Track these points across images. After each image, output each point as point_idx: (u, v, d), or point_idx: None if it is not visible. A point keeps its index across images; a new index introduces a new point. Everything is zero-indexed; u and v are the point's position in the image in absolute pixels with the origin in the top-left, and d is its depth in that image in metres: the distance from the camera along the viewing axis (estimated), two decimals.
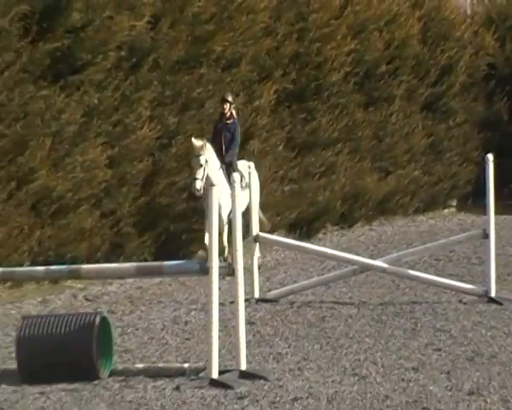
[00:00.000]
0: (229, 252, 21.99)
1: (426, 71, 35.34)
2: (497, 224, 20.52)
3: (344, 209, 31.63)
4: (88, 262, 20.87)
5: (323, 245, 24.12)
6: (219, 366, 14.46)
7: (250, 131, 27.81)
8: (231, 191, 16.18)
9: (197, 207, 25.02)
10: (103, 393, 14.21)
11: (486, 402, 12.96)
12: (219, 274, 14.79)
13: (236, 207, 15.42)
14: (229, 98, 23.75)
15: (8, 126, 21.63)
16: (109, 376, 14.83)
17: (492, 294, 19.80)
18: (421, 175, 35.22)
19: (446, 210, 36.19)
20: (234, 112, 23.98)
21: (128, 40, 24.98)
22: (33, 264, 20.14)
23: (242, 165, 22.87)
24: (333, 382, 14.59)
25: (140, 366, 15.69)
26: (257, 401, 13.35)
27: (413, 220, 34.13)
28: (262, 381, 14.49)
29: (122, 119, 25.59)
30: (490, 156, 21.07)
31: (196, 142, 22.18)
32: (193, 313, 18.82)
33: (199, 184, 21.87)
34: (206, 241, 19.17)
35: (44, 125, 22.04)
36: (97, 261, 22.48)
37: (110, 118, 25.57)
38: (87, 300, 21.20)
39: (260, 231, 21.86)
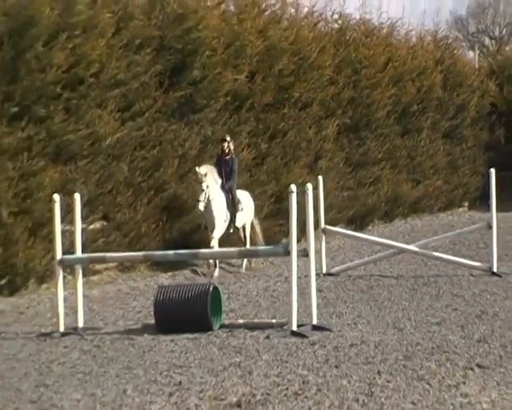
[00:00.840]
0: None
1: (445, 109, 35.66)
2: (497, 218, 21.23)
3: (386, 208, 31.60)
4: (203, 247, 20.28)
5: (372, 234, 23.85)
6: (297, 322, 14.52)
7: (319, 153, 27.84)
8: (232, 209, 21.43)
9: (281, 208, 23.77)
10: (215, 340, 14.52)
11: (490, 347, 13.12)
12: (297, 256, 14.53)
13: (309, 212, 14.85)
14: (227, 138, 21.75)
15: (148, 151, 21.41)
16: (219, 328, 14.96)
17: (494, 269, 20.21)
18: (442, 184, 35.62)
19: (460, 209, 36.27)
20: (232, 148, 22.03)
21: (232, 89, 24.02)
22: (166, 249, 20.01)
23: (240, 193, 21.81)
24: (379, 333, 14.65)
25: (241, 321, 15.91)
26: (324, 346, 13.52)
27: (436, 216, 33.98)
28: (328, 332, 14.62)
29: None
30: (492, 170, 21.43)
31: (200, 171, 20.61)
32: (278, 283, 18.80)
33: (201, 206, 20.52)
34: (213, 241, 21.25)
35: (173, 150, 22.01)
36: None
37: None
38: (203, 275, 21.04)
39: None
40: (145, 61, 21.91)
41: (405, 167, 32.98)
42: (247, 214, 21.90)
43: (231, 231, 22.04)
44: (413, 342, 13.56)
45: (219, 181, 20.89)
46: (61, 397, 11.15)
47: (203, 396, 11.01)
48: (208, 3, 24.52)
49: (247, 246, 21.69)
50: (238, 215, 21.63)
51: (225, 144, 21.43)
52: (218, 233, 21.09)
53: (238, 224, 21.86)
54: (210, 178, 20.53)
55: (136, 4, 22.50)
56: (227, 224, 21.39)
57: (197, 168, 20.72)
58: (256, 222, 22.78)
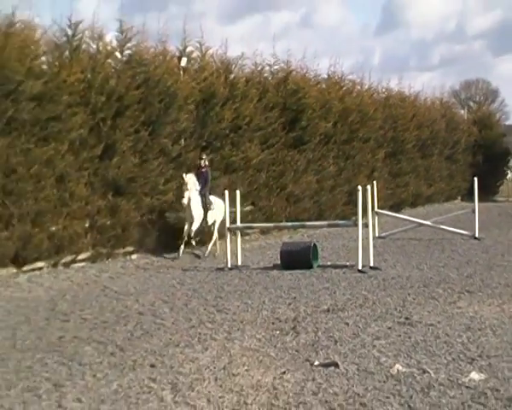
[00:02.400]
0: (213, 244, 18.21)
1: (447, 143, 34.33)
2: (478, 206, 19.86)
3: (412, 200, 30.73)
4: (307, 221, 20.01)
5: (404, 215, 23.40)
6: (361, 264, 14.57)
7: (373, 168, 27.81)
8: (205, 209, 17.82)
9: (351, 199, 21.52)
10: (314, 274, 14.71)
11: (474, 281, 13.27)
12: (361, 226, 14.66)
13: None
14: (203, 157, 17.92)
15: (277, 167, 22.44)
16: (317, 267, 15.07)
17: (476, 235, 19.28)
18: (445, 186, 34.25)
19: (456, 200, 34.87)
20: (206, 164, 17.95)
21: (324, 132, 24.88)
22: (286, 222, 19.99)
23: (214, 199, 17.91)
24: (408, 271, 14.94)
25: (329, 263, 15.95)
26: (376, 278, 13.93)
27: (441, 205, 32.85)
28: (379, 270, 14.67)
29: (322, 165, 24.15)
30: (475, 178, 20.88)
31: (185, 178, 17.08)
32: (350, 243, 17.77)
33: (185, 200, 16.78)
34: (185, 233, 17.30)
35: (290, 167, 22.70)
36: (309, 220, 21.22)
37: (317, 163, 24.32)
38: (308, 236, 20.43)
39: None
40: (275, 116, 21.91)
41: (423, 177, 32.33)
42: (216, 214, 17.89)
43: (203, 225, 18.10)
44: (428, 277, 13.81)
45: (198, 187, 17.44)
46: (228, 304, 11.57)
47: (307, 305, 11.28)
48: (310, 83, 24.37)
49: (214, 238, 18.31)
50: (209, 214, 17.83)
51: (201, 161, 17.79)
52: (195, 226, 17.46)
53: (209, 221, 17.98)
54: (191, 184, 17.19)
55: (269, 83, 22.48)
56: (201, 220, 17.72)
57: (184, 175, 17.33)
58: (216, 234, 18.33)
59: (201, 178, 17.58)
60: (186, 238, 17.44)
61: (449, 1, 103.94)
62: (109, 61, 17.10)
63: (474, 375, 7.30)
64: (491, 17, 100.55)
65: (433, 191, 33.18)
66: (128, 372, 7.67)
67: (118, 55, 17.40)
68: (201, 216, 17.73)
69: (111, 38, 17.24)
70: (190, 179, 17.31)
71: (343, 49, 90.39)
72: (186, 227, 17.45)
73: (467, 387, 6.91)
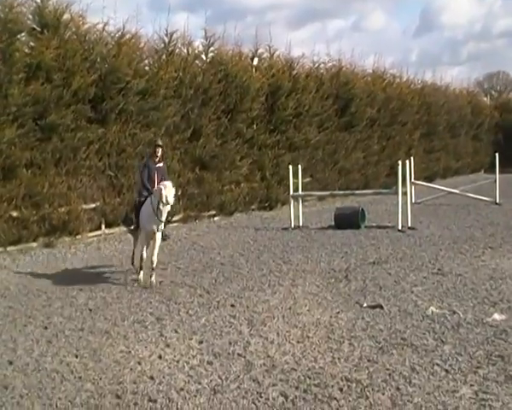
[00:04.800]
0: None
1: (472, 125, 33.14)
2: (499, 177, 19.39)
3: (443, 172, 30.02)
4: (356, 190, 19.72)
5: (437, 184, 22.86)
6: (401, 224, 14.29)
7: (411, 146, 26.93)
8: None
9: (392, 172, 21.00)
10: (362, 233, 14.65)
11: (495, 238, 12.81)
12: (401, 194, 14.48)
13: None
14: (161, 143, 10.60)
15: (331, 145, 21.95)
16: (364, 228, 14.62)
17: (497, 201, 18.55)
18: (470, 160, 33.30)
19: (480, 172, 33.75)
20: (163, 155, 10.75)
21: (370, 116, 24.14)
22: (339, 190, 19.77)
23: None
24: (440, 230, 14.60)
25: (374, 224, 15.35)
26: (413, 236, 13.78)
27: (467, 176, 31.77)
28: (416, 230, 14.42)
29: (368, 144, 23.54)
30: (496, 154, 20.30)
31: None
32: (391, 208, 16.82)
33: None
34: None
35: (342, 145, 22.44)
36: (358, 189, 20.84)
37: (364, 142, 23.66)
38: (357, 202, 19.62)
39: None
40: (329, 104, 21.72)
41: (452, 153, 31.57)
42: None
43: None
44: (456, 236, 13.47)
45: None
46: (292, 256, 11.54)
47: (357, 258, 11.16)
48: (358, 77, 23.97)
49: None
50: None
51: (159, 150, 10.04)
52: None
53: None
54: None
55: (325, 77, 22.20)
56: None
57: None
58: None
59: (158, 175, 9.83)
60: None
61: (476, 5, 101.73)
62: (196, 61, 17.38)
63: (496, 316, 7.20)
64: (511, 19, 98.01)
65: (460, 165, 32.30)
66: (213, 310, 7.81)
67: (203, 57, 17.76)
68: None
69: (198, 43, 17.73)
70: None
71: (386, 49, 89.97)
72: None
73: (490, 326, 6.84)
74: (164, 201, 9.16)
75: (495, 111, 37.12)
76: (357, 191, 19.33)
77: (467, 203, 18.78)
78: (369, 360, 5.89)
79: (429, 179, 25.61)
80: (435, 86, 30.83)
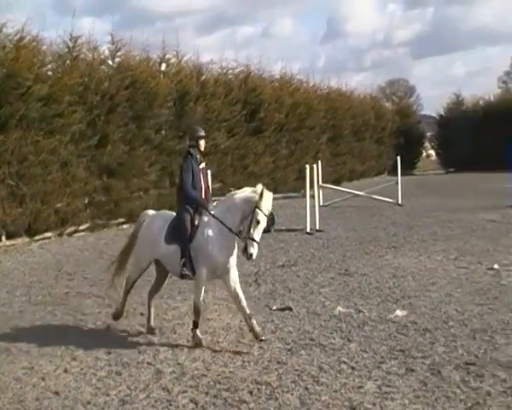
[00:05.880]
0: None
1: (375, 129, 34.09)
2: (401, 179, 20.16)
3: (348, 175, 30.65)
4: None
5: (342, 187, 22.91)
6: (309, 228, 14.40)
7: (318, 150, 27.42)
8: None
9: (300, 176, 21.03)
10: (270, 236, 14.27)
11: (398, 238, 13.12)
12: (309, 197, 14.62)
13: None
14: (204, 133, 7.05)
15: (240, 151, 21.59)
16: (274, 231, 14.06)
17: (400, 202, 19.25)
18: (374, 163, 34.04)
19: (383, 175, 34.57)
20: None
21: (278, 121, 24.23)
22: None
23: None
24: (346, 232, 14.97)
25: (283, 227, 15.59)
26: (321, 238, 14.12)
27: (372, 179, 32.56)
28: (322, 232, 14.53)
29: (277, 148, 23.47)
30: (398, 157, 21.24)
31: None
32: (300, 211, 16.73)
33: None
34: None
35: (251, 150, 22.09)
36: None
37: (273, 147, 23.68)
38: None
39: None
40: (238, 109, 21.71)
41: (357, 156, 32.16)
42: None
43: None
44: (362, 236, 13.83)
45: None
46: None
47: (266, 262, 11.26)
48: (266, 82, 24.24)
49: None
50: None
51: (202, 142, 6.99)
52: None
53: None
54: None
55: (233, 83, 22.22)
56: None
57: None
58: None
59: (205, 179, 7.22)
60: None
61: (379, 16, 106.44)
62: (102, 67, 17.04)
63: (398, 312, 7.53)
64: (411, 29, 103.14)
65: (365, 168, 32.85)
66: (122, 320, 7.62)
67: (109, 62, 17.44)
68: None
69: (104, 48, 17.33)
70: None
71: (294, 55, 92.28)
72: None
73: (393, 322, 7.15)
74: (265, 213, 6.47)
75: (396, 116, 38.67)
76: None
77: (372, 205, 19.24)
78: (278, 362, 5.99)
79: (336, 182, 26.17)
80: (340, 92, 31.69)
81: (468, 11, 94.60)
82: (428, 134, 43.64)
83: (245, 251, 6.45)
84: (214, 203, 7.02)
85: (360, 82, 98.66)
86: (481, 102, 38.37)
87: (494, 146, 30.52)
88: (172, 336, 6.94)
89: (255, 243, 6.44)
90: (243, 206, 6.53)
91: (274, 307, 7.97)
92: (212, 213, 6.70)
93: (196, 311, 6.70)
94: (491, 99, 38.54)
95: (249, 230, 6.42)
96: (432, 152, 47.25)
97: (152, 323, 7.24)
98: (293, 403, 5.05)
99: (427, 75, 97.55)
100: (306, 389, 5.32)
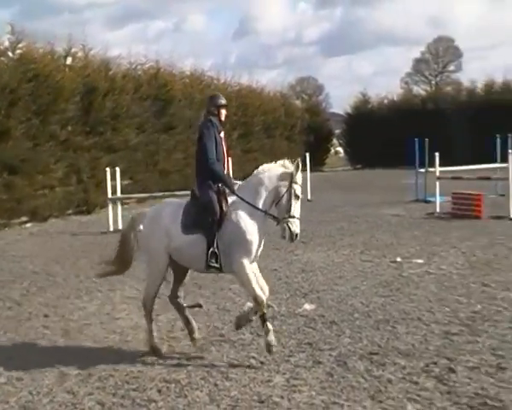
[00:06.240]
0: None
1: (286, 126, 35.05)
2: (310, 175, 20.29)
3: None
4: (176, 191, 19.77)
5: None
6: None
7: (229, 147, 26.77)
8: None
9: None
10: None
11: (307, 233, 12.57)
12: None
13: None
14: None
15: (149, 146, 21.23)
16: None
17: (309, 198, 18.65)
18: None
19: None
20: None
21: (190, 118, 23.32)
22: (159, 192, 19.54)
23: None
24: None
25: None
26: None
27: None
28: None
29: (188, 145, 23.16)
30: (307, 153, 21.91)
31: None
32: None
33: None
34: None
35: (161, 146, 22.22)
36: (178, 190, 20.90)
37: (183, 143, 23.21)
38: None
39: None
40: (148, 105, 21.64)
41: (268, 153, 31.64)
42: None
43: None
44: (271, 233, 13.75)
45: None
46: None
47: None
48: (176, 78, 24.15)
49: None
50: None
51: (224, 112, 6.07)
52: None
53: None
54: None
55: (143, 78, 22.03)
56: None
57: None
58: None
59: (226, 150, 6.30)
60: None
61: (289, 14, 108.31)
62: (2, 58, 16.43)
63: (307, 306, 7.70)
64: (320, 28, 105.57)
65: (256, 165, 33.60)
66: (24, 322, 7.37)
67: (10, 54, 16.79)
68: None
69: (3, 39, 16.68)
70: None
71: (206, 51, 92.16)
72: None
73: (301, 316, 7.30)
74: (298, 190, 5.88)
75: (306, 113, 39.55)
76: (178, 192, 19.21)
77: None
78: (187, 360, 5.98)
79: (242, 179, 26.41)
80: (251, 88, 32.11)
81: (373, 13, 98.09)
82: (337, 131, 44.96)
83: (289, 232, 5.78)
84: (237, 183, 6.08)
85: (271, 79, 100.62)
86: (386, 101, 39.97)
87: (397, 143, 31.93)
88: (79, 337, 6.75)
89: (297, 221, 5.82)
90: (277, 183, 5.85)
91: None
92: (240, 195, 5.87)
93: (260, 302, 5.74)
94: (395, 98, 40.23)
95: (289, 208, 5.79)
96: (340, 149, 48.73)
97: (196, 333, 6.25)
98: (202, 400, 5.05)
99: (336, 74, 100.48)
100: (216, 385, 5.33)
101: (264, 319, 5.79)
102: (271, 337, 5.77)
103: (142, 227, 6.18)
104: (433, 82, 57.12)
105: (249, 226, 5.78)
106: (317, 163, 36.08)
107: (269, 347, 5.77)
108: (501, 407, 4.70)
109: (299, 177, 5.87)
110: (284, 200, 5.79)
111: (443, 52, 58.70)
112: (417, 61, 59.27)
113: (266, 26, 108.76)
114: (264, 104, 32.20)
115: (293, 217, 5.80)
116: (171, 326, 7.00)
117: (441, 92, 41.83)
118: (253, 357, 5.95)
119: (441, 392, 4.97)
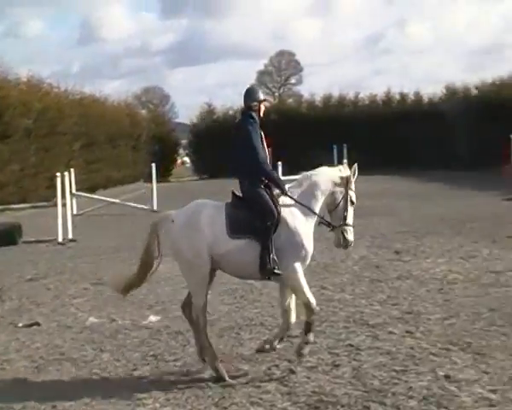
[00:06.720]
0: None
1: (131, 136, 34.44)
2: (157, 186, 20.21)
3: (105, 183, 30.16)
4: (12, 204, 18.45)
5: (98, 195, 22.31)
6: (61, 238, 13.50)
7: (71, 158, 25.73)
8: None
9: (52, 185, 20.80)
10: (18, 248, 13.31)
11: None
12: (59, 206, 13.51)
13: None
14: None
15: None
16: (22, 243, 13.42)
17: (155, 209, 18.33)
18: (131, 171, 33.99)
19: (139, 182, 34.63)
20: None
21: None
22: None
23: None
24: (101, 240, 14.44)
25: (33, 239, 14.34)
26: (74, 247, 13.30)
27: (129, 186, 32.23)
28: (76, 242, 13.78)
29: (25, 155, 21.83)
30: (153, 164, 21.08)
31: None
32: (51, 220, 16.41)
33: None
34: None
35: None
36: (14, 203, 19.56)
37: (20, 154, 21.48)
38: (14, 217, 18.33)
39: None
40: None
41: (113, 163, 31.55)
42: None
43: None
44: (117, 244, 13.44)
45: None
46: None
47: (12, 276, 10.40)
48: (11, 85, 22.80)
49: None
50: None
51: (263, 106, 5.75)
52: None
53: None
54: None
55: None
56: None
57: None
58: None
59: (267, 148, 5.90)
60: None
61: (134, 22, 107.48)
62: None
63: (152, 318, 7.63)
64: (167, 39, 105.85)
65: (121, 175, 32.60)
66: None
67: None
68: None
69: None
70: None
71: (47, 58, 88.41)
72: None
73: (146, 328, 7.21)
74: (354, 197, 5.70)
75: (151, 123, 39.31)
76: (14, 205, 18.27)
77: (128, 212, 18.71)
78: (23, 382, 5.65)
79: (91, 190, 25.66)
80: (94, 98, 31.32)
81: (218, 26, 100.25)
82: (183, 141, 45.13)
83: (344, 240, 5.59)
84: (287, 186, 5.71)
85: (116, 89, 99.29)
86: (231, 112, 40.88)
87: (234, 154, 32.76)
88: None
89: (352, 228, 5.64)
90: (334, 188, 5.59)
91: (20, 324, 7.52)
92: (294, 196, 5.55)
93: (312, 309, 5.49)
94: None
95: (345, 215, 5.57)
96: (187, 159, 48.99)
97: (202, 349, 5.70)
98: None
99: (182, 84, 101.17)
100: (54, 407, 5.09)
101: (309, 329, 5.55)
102: (306, 350, 5.61)
103: (171, 232, 5.76)
104: (276, 94, 59.60)
105: (307, 231, 5.51)
106: (164, 173, 35.97)
107: (300, 356, 5.61)
108: (335, 401, 4.97)
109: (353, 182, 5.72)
110: (341, 206, 5.60)
111: (285, 65, 61.51)
112: (261, 74, 61.59)
113: (110, 33, 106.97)
114: (108, 114, 31.53)
115: (349, 224, 5.65)
116: (4, 348, 6.58)
117: (284, 104, 43.75)
118: (96, 373, 5.80)
119: (282, 393, 5.15)
